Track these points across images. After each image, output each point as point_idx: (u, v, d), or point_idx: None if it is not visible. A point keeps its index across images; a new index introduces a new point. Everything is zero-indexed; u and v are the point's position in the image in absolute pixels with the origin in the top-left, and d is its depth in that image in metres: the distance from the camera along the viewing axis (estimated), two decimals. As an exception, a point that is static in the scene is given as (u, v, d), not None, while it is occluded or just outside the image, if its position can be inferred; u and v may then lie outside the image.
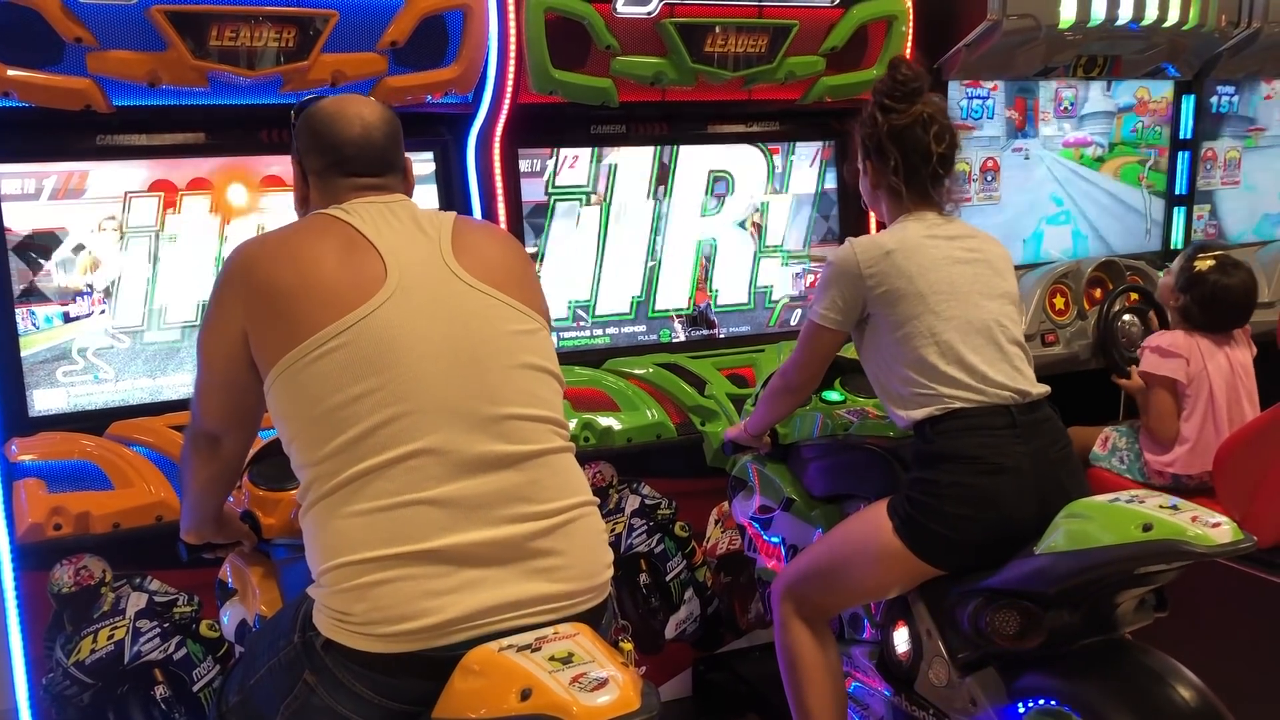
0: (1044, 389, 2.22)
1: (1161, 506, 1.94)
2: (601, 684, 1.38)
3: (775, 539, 2.73)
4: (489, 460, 1.62)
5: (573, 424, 2.85)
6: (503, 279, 1.76)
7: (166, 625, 2.51)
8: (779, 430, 2.65)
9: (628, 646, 1.61)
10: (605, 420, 2.91)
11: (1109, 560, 1.93)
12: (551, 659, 1.43)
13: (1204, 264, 3.17)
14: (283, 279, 1.67)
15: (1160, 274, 3.87)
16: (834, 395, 2.82)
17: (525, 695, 1.38)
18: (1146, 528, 1.88)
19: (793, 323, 3.47)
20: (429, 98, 2.82)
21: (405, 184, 1.90)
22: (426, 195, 2.99)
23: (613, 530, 3.00)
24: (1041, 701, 2.06)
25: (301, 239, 1.74)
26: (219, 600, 2.26)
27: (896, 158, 2.24)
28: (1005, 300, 2.25)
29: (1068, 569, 1.97)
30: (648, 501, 3.05)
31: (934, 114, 2.24)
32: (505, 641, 1.51)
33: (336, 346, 1.62)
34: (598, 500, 1.76)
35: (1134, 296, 3.64)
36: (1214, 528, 1.86)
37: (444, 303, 1.69)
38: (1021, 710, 2.09)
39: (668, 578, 3.10)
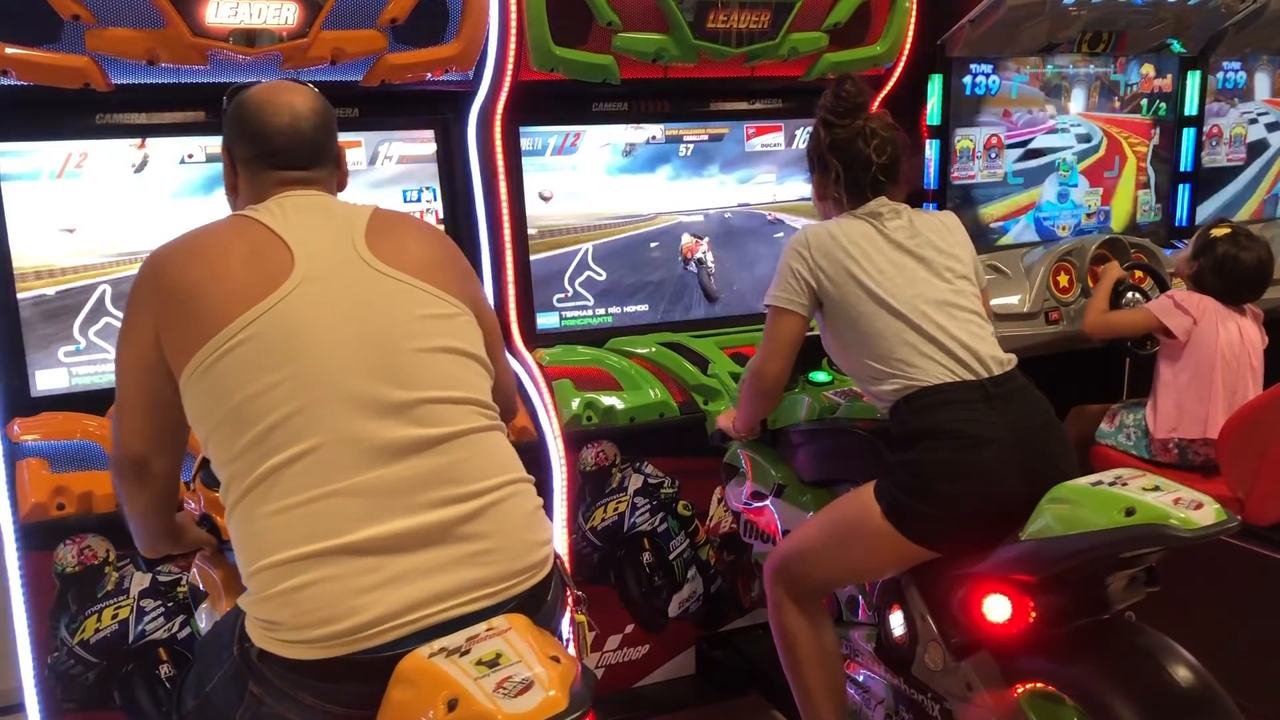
0: (1010, 357, 2.22)
1: (1144, 489, 1.90)
2: (527, 686, 1.36)
3: (770, 523, 2.73)
4: (404, 445, 1.57)
5: (575, 403, 2.85)
6: (419, 266, 1.72)
7: (170, 604, 2.52)
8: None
9: (581, 618, 1.58)
10: (608, 399, 2.91)
11: (1092, 546, 1.90)
12: (479, 663, 1.40)
13: (1219, 232, 3.19)
14: (190, 277, 1.62)
15: (1166, 251, 3.86)
16: (821, 376, 2.80)
17: (452, 705, 1.36)
18: (1129, 512, 1.85)
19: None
20: (429, 75, 2.80)
21: (337, 173, 1.87)
22: (427, 174, 2.98)
23: (615, 509, 3.00)
24: (1036, 685, 2.05)
25: (210, 239, 1.70)
26: (192, 604, 2.23)
27: (838, 169, 2.31)
28: (955, 276, 2.27)
29: (1052, 555, 1.96)
30: (650, 480, 3.05)
31: (876, 128, 2.31)
32: (438, 645, 1.47)
33: (244, 340, 1.57)
34: (531, 479, 1.71)
35: (1138, 274, 3.63)
36: (1197, 509, 1.82)
37: (351, 289, 1.65)
38: (1017, 694, 2.08)
39: (671, 556, 3.11)
